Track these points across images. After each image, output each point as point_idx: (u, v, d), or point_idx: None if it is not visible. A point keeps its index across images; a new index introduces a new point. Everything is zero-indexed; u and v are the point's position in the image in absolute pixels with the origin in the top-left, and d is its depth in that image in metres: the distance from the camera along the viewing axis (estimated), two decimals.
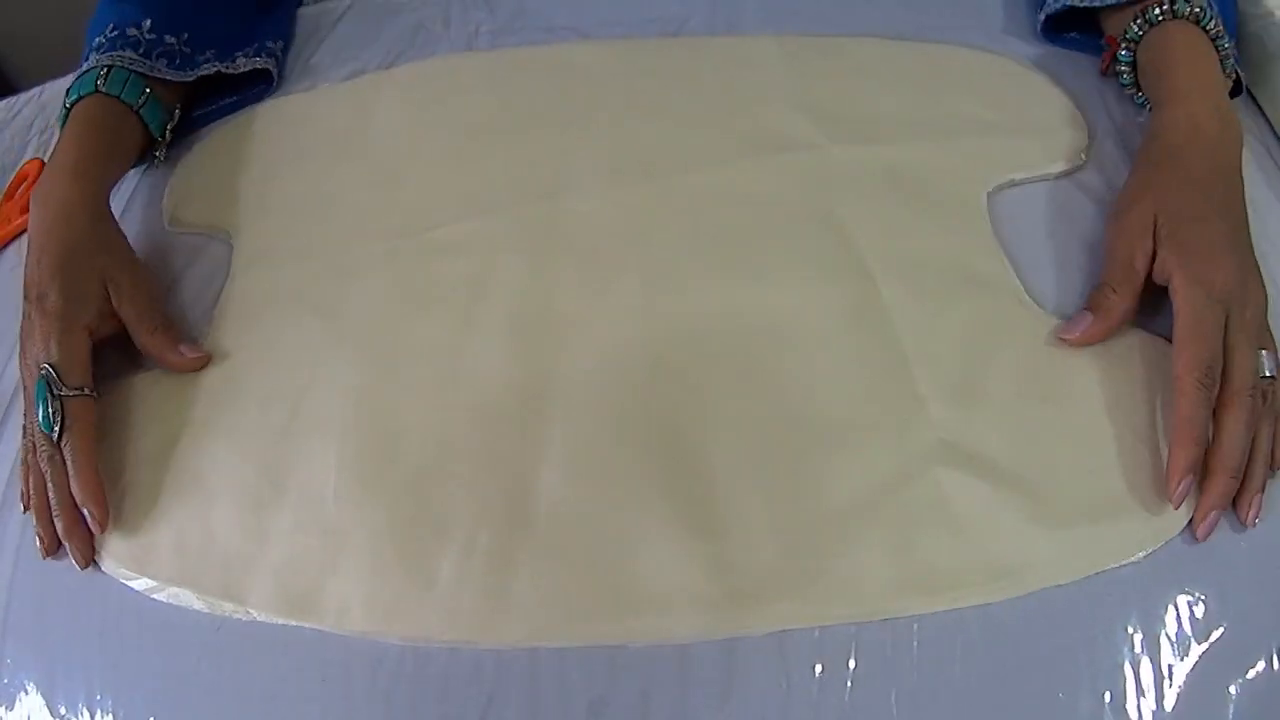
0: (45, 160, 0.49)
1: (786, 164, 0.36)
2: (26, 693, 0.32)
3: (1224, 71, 0.41)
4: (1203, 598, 0.30)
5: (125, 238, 0.42)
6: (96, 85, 0.44)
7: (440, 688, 0.30)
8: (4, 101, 0.56)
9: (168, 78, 0.46)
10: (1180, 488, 0.31)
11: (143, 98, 0.45)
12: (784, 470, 0.33)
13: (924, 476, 0.33)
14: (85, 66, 0.45)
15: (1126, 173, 0.40)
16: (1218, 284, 0.34)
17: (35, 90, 0.56)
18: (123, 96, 0.44)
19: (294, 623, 0.32)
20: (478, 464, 0.34)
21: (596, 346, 0.37)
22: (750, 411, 0.35)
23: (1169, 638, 0.29)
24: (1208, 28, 0.40)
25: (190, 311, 0.42)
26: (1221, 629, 0.30)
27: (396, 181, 0.44)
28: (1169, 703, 0.29)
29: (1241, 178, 0.38)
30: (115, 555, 0.35)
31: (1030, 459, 0.33)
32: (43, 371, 0.36)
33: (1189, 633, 0.30)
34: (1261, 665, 0.29)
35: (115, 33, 0.46)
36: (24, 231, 0.47)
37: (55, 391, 0.36)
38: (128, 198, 0.47)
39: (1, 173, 0.51)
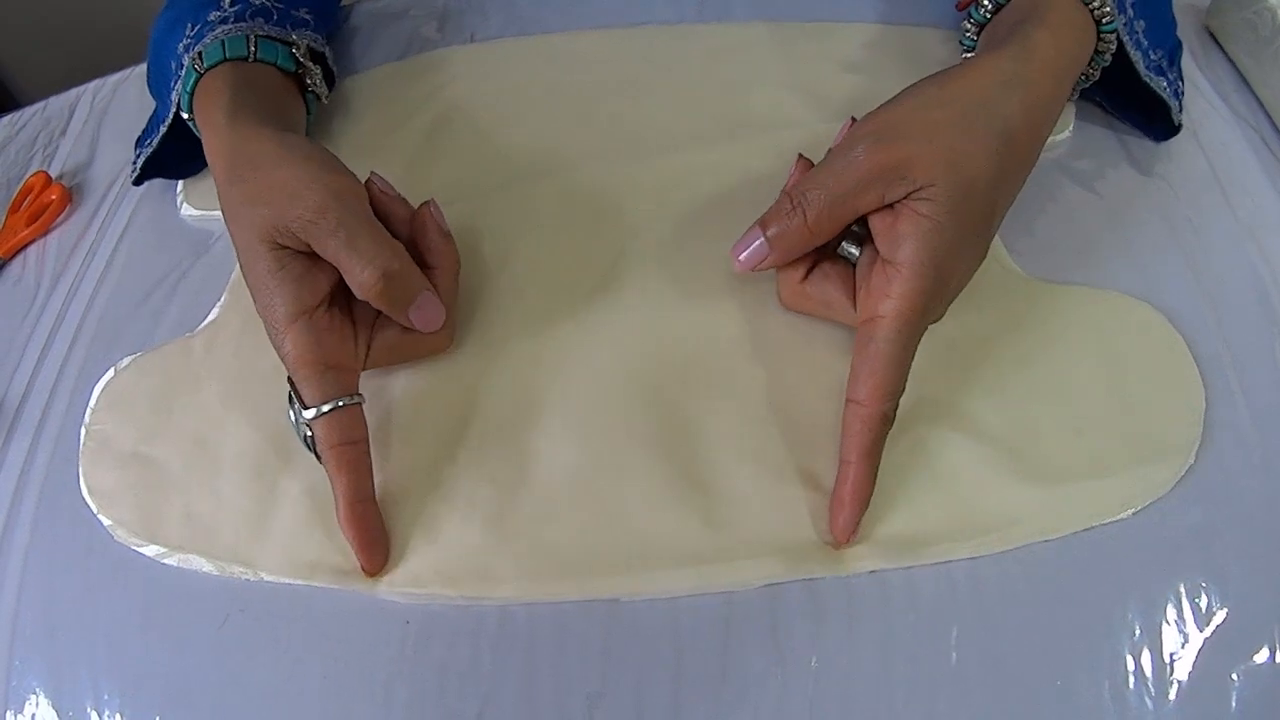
0: (49, 173, 0.50)
1: (776, 142, 0.37)
2: (34, 695, 0.32)
3: (1092, 65, 0.37)
4: (1203, 584, 0.30)
5: (309, 152, 0.34)
6: (250, 52, 0.40)
7: (438, 682, 0.30)
8: (8, 116, 0.57)
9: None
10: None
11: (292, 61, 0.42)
12: (771, 432, 0.34)
13: (908, 433, 0.33)
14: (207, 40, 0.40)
15: (1111, 147, 0.40)
16: (936, 312, 0.31)
17: (39, 105, 0.56)
18: (279, 63, 0.41)
19: (300, 583, 0.33)
20: (478, 429, 0.35)
21: (592, 319, 0.38)
22: (738, 377, 0.35)
23: (1170, 625, 0.29)
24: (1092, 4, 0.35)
25: (205, 295, 0.42)
26: (1223, 615, 0.29)
27: (392, 167, 0.44)
28: (1171, 691, 0.28)
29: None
30: (125, 524, 0.35)
31: (1014, 418, 0.34)
32: (288, 388, 0.32)
33: (1190, 620, 0.29)
34: (1265, 651, 0.29)
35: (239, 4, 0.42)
36: (29, 244, 0.48)
37: (297, 414, 0.32)
38: (146, 183, 0.47)
39: (7, 186, 0.51)
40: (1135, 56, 0.38)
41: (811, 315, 0.36)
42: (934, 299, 0.31)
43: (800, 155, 0.36)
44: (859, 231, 0.34)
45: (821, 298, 0.34)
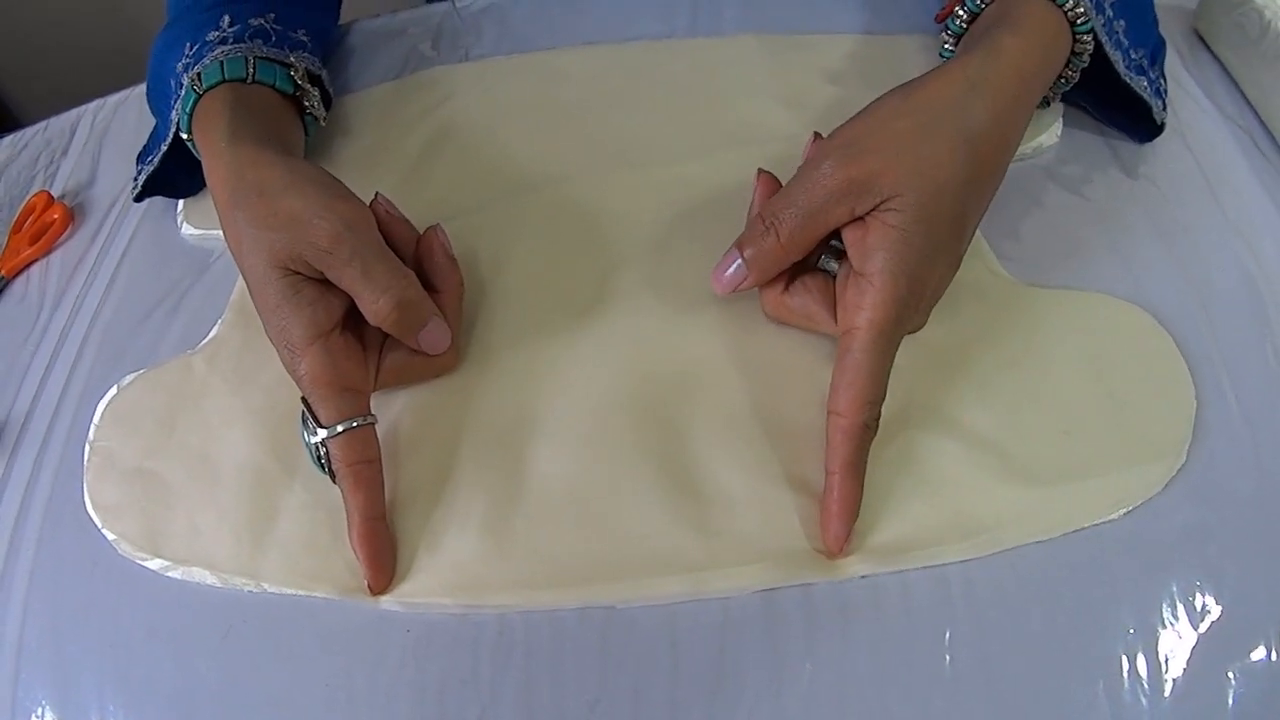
0: (51, 193, 0.51)
1: (765, 154, 0.37)
2: (40, 707, 0.33)
3: (1069, 68, 0.37)
4: (1198, 583, 0.30)
5: (315, 177, 0.35)
6: (248, 73, 0.40)
7: (438, 691, 0.31)
8: (10, 136, 0.57)
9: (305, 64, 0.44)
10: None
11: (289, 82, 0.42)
12: (764, 439, 0.34)
13: (897, 439, 0.33)
14: (206, 61, 0.40)
15: (1098, 150, 0.40)
16: (913, 320, 0.32)
17: (40, 125, 0.57)
18: (277, 85, 0.42)
19: (302, 593, 0.33)
20: (474, 441, 0.36)
21: (586, 332, 0.38)
22: (731, 386, 0.36)
23: (1164, 624, 0.29)
24: (1064, 5, 0.35)
25: (206, 312, 0.43)
26: (1218, 614, 0.29)
27: (389, 184, 0.44)
28: (1167, 690, 0.28)
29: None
30: (130, 538, 0.36)
31: (1003, 421, 0.34)
32: (301, 409, 0.33)
33: (1185, 619, 0.29)
34: (1261, 649, 0.29)
35: (237, 26, 0.42)
36: (32, 263, 0.48)
37: (310, 432, 0.33)
38: (147, 202, 0.48)
39: (9, 205, 0.52)
40: (1115, 57, 0.38)
41: (794, 326, 0.36)
42: (907, 308, 0.31)
43: (760, 170, 0.36)
44: (837, 246, 0.34)
45: (802, 310, 0.35)
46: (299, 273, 0.33)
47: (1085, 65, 0.38)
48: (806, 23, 0.49)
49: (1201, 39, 0.47)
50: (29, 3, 1.01)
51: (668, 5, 0.52)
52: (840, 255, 0.34)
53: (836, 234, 0.34)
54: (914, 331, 0.33)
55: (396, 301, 0.33)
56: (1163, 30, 0.42)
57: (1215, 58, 0.46)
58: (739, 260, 0.34)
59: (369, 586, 0.32)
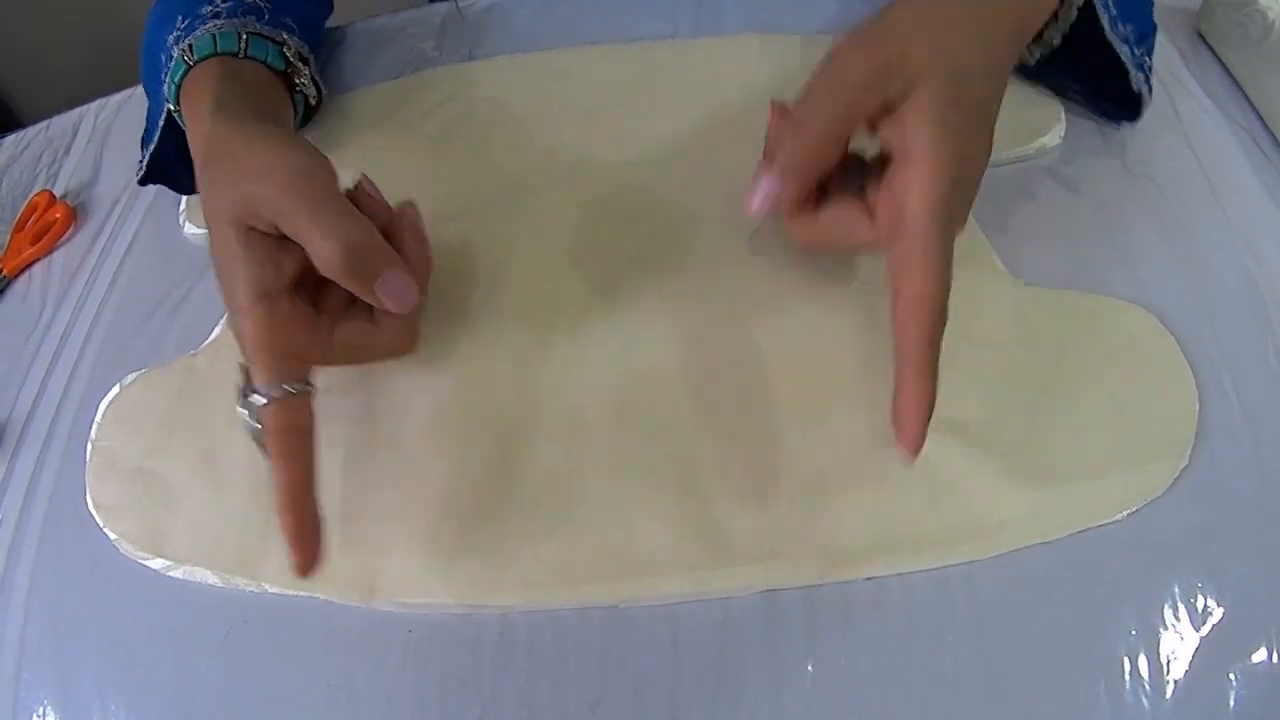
0: (54, 192, 0.51)
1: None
2: (42, 706, 0.33)
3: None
4: (1199, 584, 0.30)
5: (279, 136, 0.34)
6: (240, 48, 0.40)
7: (440, 691, 0.31)
8: (12, 135, 0.57)
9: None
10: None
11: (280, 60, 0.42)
12: (766, 438, 0.34)
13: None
14: (199, 33, 0.40)
15: (1101, 151, 0.40)
16: (959, 212, 0.30)
17: (43, 124, 0.57)
18: (269, 61, 0.41)
19: (303, 594, 0.33)
20: (477, 440, 0.36)
21: (589, 331, 0.38)
22: (733, 384, 0.36)
23: (1166, 625, 0.29)
24: None
25: (208, 312, 0.43)
26: (1220, 615, 0.29)
27: (393, 183, 0.44)
28: (1168, 691, 0.28)
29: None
30: (131, 537, 0.36)
31: (1007, 422, 0.34)
32: (238, 379, 0.31)
33: (1186, 620, 0.29)
34: (1262, 650, 0.29)
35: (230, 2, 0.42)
36: (34, 262, 0.48)
37: (245, 395, 0.31)
38: (150, 201, 0.48)
39: (11, 204, 0.52)
40: (1101, 15, 0.38)
41: (831, 248, 0.35)
42: (957, 187, 0.30)
43: (773, 101, 0.35)
44: (860, 158, 0.33)
45: (836, 221, 0.33)
46: (255, 229, 0.32)
47: (1074, 19, 0.38)
48: (809, 23, 0.49)
49: (1204, 39, 0.47)
50: (29, 3, 1.02)
51: (670, 5, 0.52)
52: (863, 174, 0.33)
53: (858, 163, 0.33)
54: (958, 231, 0.31)
55: (345, 245, 0.31)
56: (1164, 31, 0.42)
57: (1217, 58, 0.46)
58: (770, 174, 0.32)
59: (294, 565, 0.29)
